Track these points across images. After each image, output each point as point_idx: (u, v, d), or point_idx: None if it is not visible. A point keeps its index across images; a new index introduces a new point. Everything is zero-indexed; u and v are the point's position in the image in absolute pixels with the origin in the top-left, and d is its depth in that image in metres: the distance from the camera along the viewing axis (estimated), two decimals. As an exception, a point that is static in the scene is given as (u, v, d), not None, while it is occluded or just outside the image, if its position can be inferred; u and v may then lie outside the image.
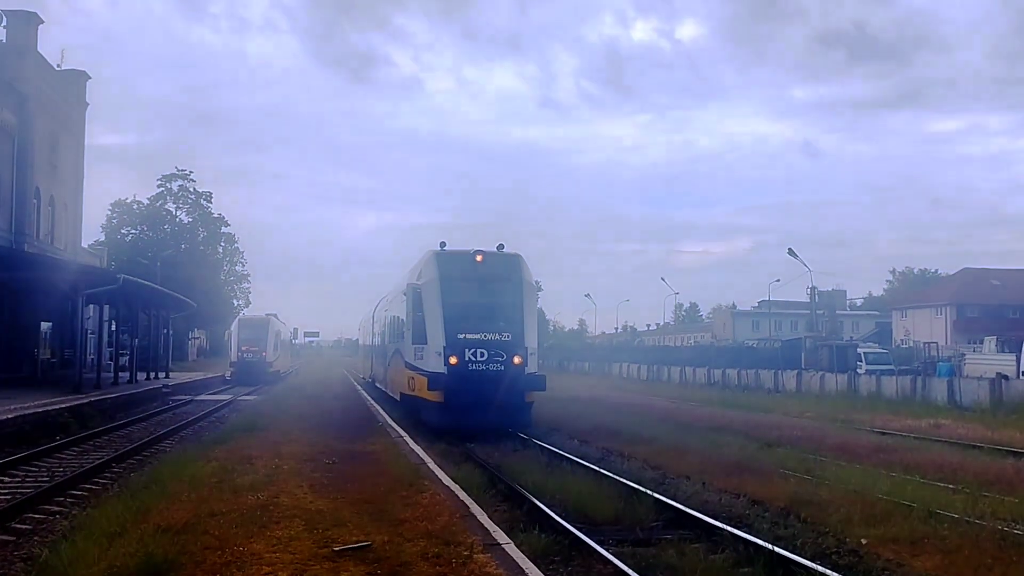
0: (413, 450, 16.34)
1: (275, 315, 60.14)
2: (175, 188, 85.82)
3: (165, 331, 48.74)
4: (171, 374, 46.29)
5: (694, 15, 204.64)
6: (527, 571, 7.62)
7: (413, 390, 21.20)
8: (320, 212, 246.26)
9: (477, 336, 19.84)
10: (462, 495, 11.38)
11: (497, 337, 19.96)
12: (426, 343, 20.29)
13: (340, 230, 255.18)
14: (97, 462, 16.56)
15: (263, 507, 10.27)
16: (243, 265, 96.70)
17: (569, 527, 10.50)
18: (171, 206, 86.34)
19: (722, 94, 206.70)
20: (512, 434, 19.88)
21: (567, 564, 9.30)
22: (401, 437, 18.61)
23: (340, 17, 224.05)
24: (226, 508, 10.21)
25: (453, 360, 19.51)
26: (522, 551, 8.46)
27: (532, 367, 20.28)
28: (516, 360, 19.76)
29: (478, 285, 21.10)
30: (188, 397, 36.66)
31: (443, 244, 21.72)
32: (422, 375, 20.22)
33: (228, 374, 52.05)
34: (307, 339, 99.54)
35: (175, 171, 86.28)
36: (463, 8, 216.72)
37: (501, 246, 21.78)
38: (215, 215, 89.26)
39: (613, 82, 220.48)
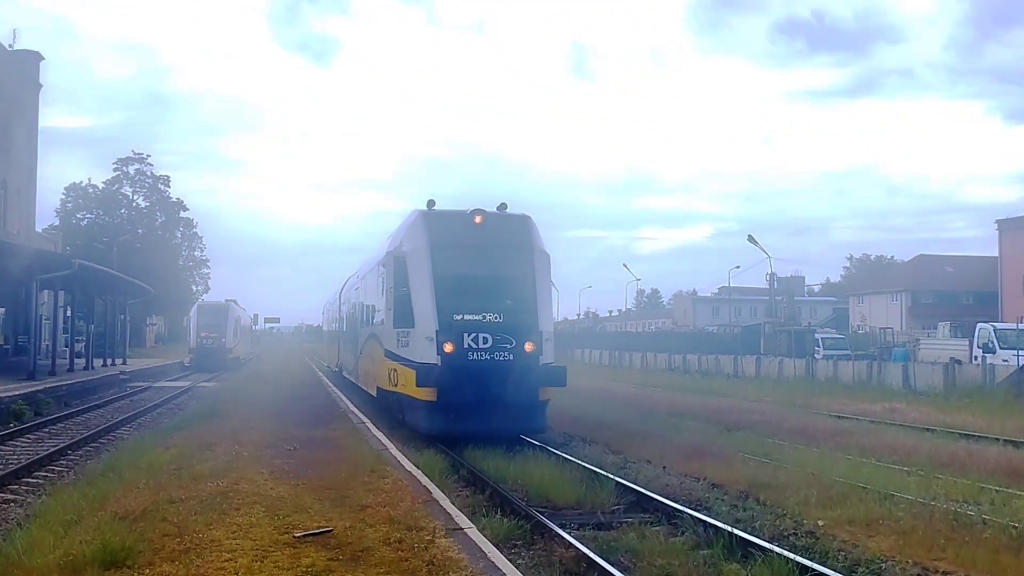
0: (375, 436, 16.28)
1: (235, 301, 59.55)
2: (132, 172, 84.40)
3: (122, 317, 48.00)
4: (128, 360, 45.62)
5: (658, 3, 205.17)
6: (489, 555, 7.64)
7: (395, 385, 17.38)
8: (282, 197, 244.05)
9: (478, 317, 16.12)
10: (424, 480, 11.38)
11: (503, 318, 16.28)
12: (413, 326, 16.50)
13: (302, 215, 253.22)
14: (52, 449, 16.31)
15: (223, 494, 10.18)
16: (202, 250, 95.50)
17: (531, 511, 10.55)
18: (128, 190, 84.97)
19: (684, 82, 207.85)
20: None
21: (529, 548, 9.35)
22: (363, 423, 18.52)
23: (301, 1, 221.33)
24: (185, 495, 10.10)
25: (448, 348, 15.80)
26: (484, 535, 8.49)
27: (548, 356, 16.58)
28: (528, 347, 16.10)
29: (478, 253, 17.19)
30: (146, 384, 36.21)
31: (431, 203, 17.73)
32: (408, 367, 16.42)
33: (187, 360, 51.46)
34: (267, 325, 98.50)
35: (132, 154, 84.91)
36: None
37: (504, 205, 17.88)
38: (173, 199, 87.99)
39: (576, 69, 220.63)
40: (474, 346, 15.87)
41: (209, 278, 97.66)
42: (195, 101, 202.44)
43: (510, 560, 7.82)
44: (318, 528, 8.47)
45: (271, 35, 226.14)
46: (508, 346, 16.00)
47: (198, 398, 28.92)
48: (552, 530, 9.71)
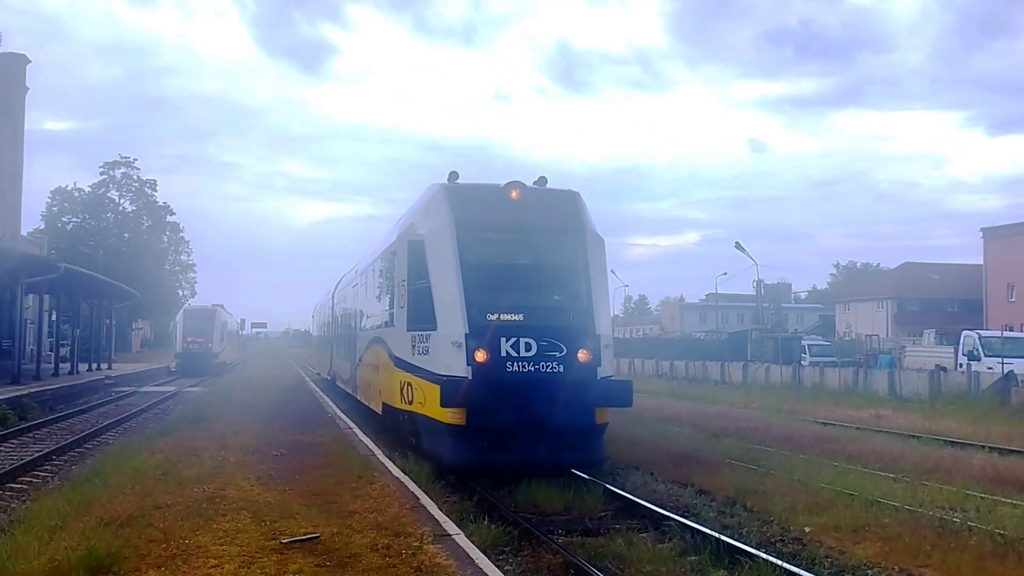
0: (362, 441, 16.24)
1: (222, 306, 59.47)
2: (118, 176, 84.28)
3: (108, 321, 47.78)
4: (114, 365, 45.47)
5: (645, 11, 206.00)
6: (477, 561, 7.63)
7: (409, 403, 14.09)
8: (269, 202, 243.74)
9: (518, 317, 12.93)
10: (412, 486, 11.36)
11: (550, 319, 13.15)
12: (434, 329, 13.20)
13: (289, 220, 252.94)
14: (37, 454, 16.20)
15: (209, 499, 10.13)
16: (189, 255, 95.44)
17: (519, 518, 10.54)
18: (114, 194, 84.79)
19: (672, 89, 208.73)
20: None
21: (517, 554, 9.34)
22: (350, 428, 18.47)
23: (290, 7, 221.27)
24: (171, 501, 10.05)
25: (480, 356, 12.52)
26: (472, 541, 8.48)
27: (607, 367, 13.31)
28: (582, 355, 12.83)
29: (517, 236, 14.14)
30: (131, 388, 35.99)
31: (454, 175, 14.49)
32: (428, 381, 13.06)
33: (173, 365, 51.25)
34: (254, 330, 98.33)
35: (119, 158, 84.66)
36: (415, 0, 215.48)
37: (543, 180, 14.74)
38: (160, 203, 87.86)
39: (565, 76, 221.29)
40: (514, 354, 12.64)
41: (196, 282, 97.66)
42: (183, 105, 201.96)
43: (497, 566, 7.81)
44: (305, 534, 8.43)
45: (260, 40, 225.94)
46: (557, 354, 12.75)
47: (184, 403, 28.76)
48: (539, 536, 9.70)
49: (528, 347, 12.66)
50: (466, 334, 12.70)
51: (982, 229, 69.10)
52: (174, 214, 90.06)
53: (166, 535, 8.32)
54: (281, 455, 14.08)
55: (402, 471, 12.64)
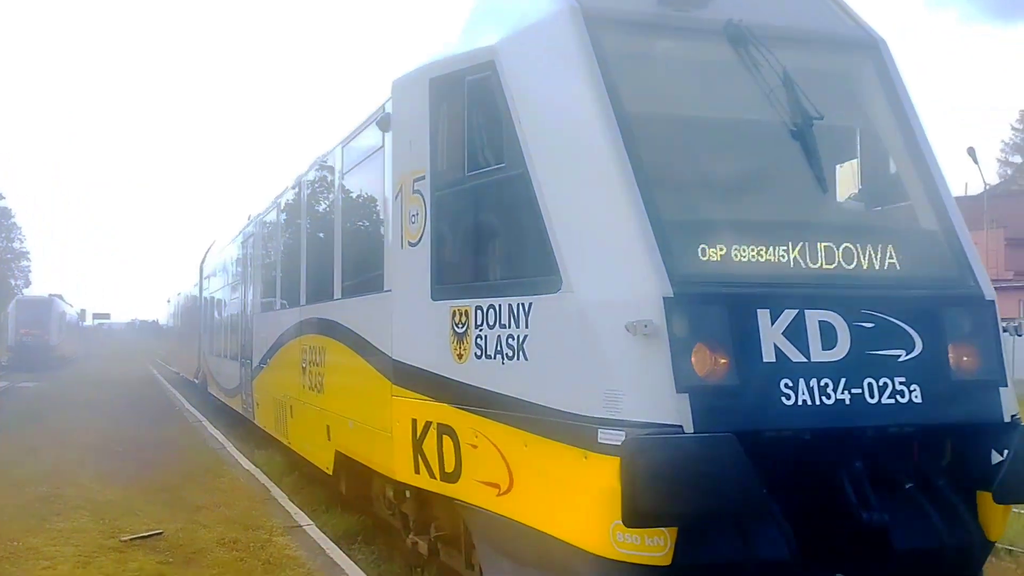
0: (212, 435, 15.83)
1: (60, 296, 56.41)
2: (-59, 157, 78.37)
3: (-70, 313, 44.54)
4: (-62, 360, 42.38)
5: None
6: (328, 551, 7.62)
7: (452, 477, 5.61)
8: (113, 187, 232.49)
9: (782, 258, 4.78)
10: (263, 479, 11.22)
11: (870, 263, 4.94)
12: (556, 287, 4.70)
13: (136, 207, 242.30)
14: None
15: (44, 499, 9.69)
16: (21, 242, 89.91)
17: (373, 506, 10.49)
18: (-64, 177, 78.84)
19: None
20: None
21: (370, 544, 9.32)
22: (199, 422, 17.96)
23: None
24: (2, 502, 9.54)
25: (707, 362, 4.35)
26: (324, 532, 8.44)
27: (1011, 395, 4.95)
28: (960, 358, 4.82)
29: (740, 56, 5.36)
30: (-43, 385, 33.67)
31: None
32: (544, 436, 4.68)
33: (4, 359, 48.32)
34: (96, 321, 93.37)
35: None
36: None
37: None
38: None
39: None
40: (796, 357, 4.56)
41: (30, 271, 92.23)
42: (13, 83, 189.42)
43: (349, 556, 7.80)
44: (148, 531, 8.19)
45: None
46: (902, 355, 4.76)
47: (18, 399, 27.12)
48: (392, 525, 9.69)
49: (829, 336, 4.69)
50: (666, 299, 4.43)
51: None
52: (3, 198, 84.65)
53: (-7, 538, 7.91)
54: (126, 451, 13.58)
55: (253, 464, 12.41)
